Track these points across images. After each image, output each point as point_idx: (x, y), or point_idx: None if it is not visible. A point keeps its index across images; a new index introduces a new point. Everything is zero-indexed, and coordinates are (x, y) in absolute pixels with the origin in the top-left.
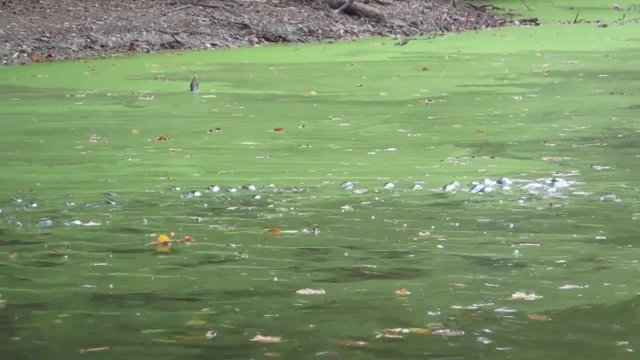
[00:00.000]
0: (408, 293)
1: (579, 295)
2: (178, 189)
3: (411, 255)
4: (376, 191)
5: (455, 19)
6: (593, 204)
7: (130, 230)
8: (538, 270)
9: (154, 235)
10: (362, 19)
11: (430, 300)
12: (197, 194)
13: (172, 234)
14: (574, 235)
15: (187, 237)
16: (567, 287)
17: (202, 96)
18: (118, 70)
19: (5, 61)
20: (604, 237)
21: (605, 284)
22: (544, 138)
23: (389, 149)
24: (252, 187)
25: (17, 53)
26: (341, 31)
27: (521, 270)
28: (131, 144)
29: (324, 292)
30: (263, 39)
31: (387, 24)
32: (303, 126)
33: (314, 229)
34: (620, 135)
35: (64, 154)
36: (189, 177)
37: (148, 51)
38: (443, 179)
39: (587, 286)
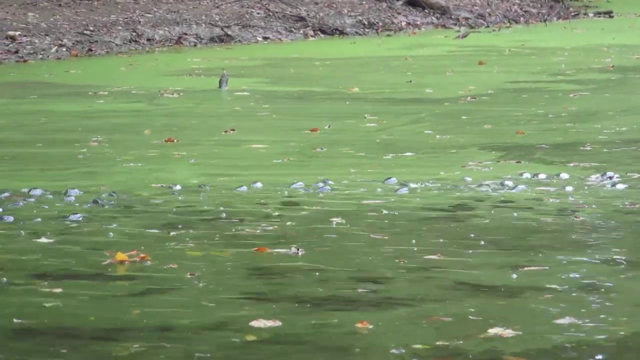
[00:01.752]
0: (370, 327)
1: (571, 331)
2: (159, 201)
3: (393, 280)
4: (376, 201)
5: (525, 11)
6: (619, 218)
7: (89, 248)
8: (533, 299)
9: (111, 254)
10: (426, 10)
11: (394, 336)
12: (180, 202)
13: (134, 252)
14: (585, 257)
15: (143, 255)
16: (559, 321)
17: (233, 93)
18: (157, 66)
19: (41, 56)
20: (622, 258)
21: (608, 318)
22: (582, 140)
23: (406, 154)
24: (242, 195)
25: (56, 47)
26: (403, 24)
27: (512, 300)
28: (136, 146)
29: (280, 324)
30: (319, 32)
31: (453, 16)
32: (329, 126)
33: (298, 249)
34: None
35: (60, 158)
36: (185, 183)
37: (195, 45)
38: (452, 188)
39: (585, 321)
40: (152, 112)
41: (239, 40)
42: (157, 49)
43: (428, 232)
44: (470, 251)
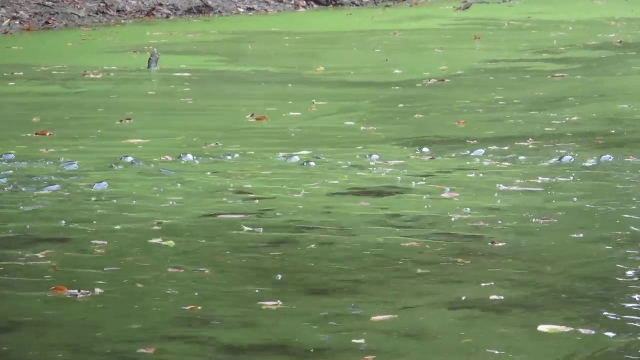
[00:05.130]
0: None
1: None
2: None
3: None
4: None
5: None
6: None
7: None
8: None
9: None
10: None
11: None
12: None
13: None
14: (462, 296)
15: None
16: None
17: (163, 74)
18: (111, 41)
19: None
20: (502, 298)
21: None
22: (524, 133)
23: (302, 152)
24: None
25: (9, 20)
26: None
27: None
28: (6, 137)
29: None
30: (312, 2)
31: None
32: (252, 115)
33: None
34: (625, 132)
35: None
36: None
37: (168, 17)
38: (323, 199)
39: None
40: (57, 97)
41: (219, 12)
42: (125, 21)
43: (245, 268)
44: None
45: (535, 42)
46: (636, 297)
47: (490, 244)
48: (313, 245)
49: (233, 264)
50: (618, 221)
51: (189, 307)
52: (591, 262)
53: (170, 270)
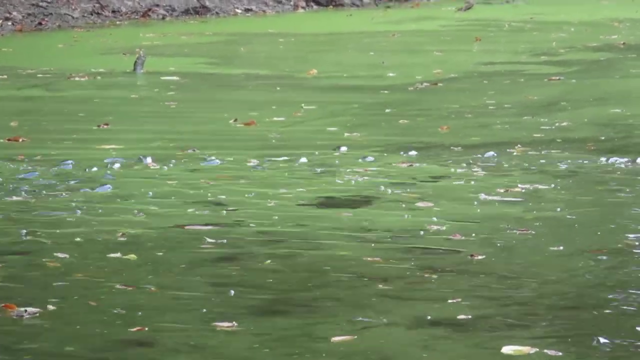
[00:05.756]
0: None
1: None
2: None
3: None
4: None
5: None
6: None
7: None
8: None
9: None
10: None
11: None
12: None
13: None
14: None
15: None
16: None
17: (150, 77)
18: (103, 43)
19: None
20: (469, 317)
21: None
22: (512, 139)
23: (278, 159)
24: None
25: (1, 21)
26: None
27: None
28: None
29: None
30: (312, 3)
31: None
32: (235, 120)
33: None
34: (615, 137)
35: None
36: None
37: (164, 18)
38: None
39: None
40: (38, 100)
41: (217, 13)
42: (119, 21)
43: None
44: None
45: (534, 43)
46: (608, 316)
47: (469, 257)
48: (269, 261)
49: (187, 279)
50: (599, 233)
51: (135, 329)
52: (567, 277)
53: (119, 286)
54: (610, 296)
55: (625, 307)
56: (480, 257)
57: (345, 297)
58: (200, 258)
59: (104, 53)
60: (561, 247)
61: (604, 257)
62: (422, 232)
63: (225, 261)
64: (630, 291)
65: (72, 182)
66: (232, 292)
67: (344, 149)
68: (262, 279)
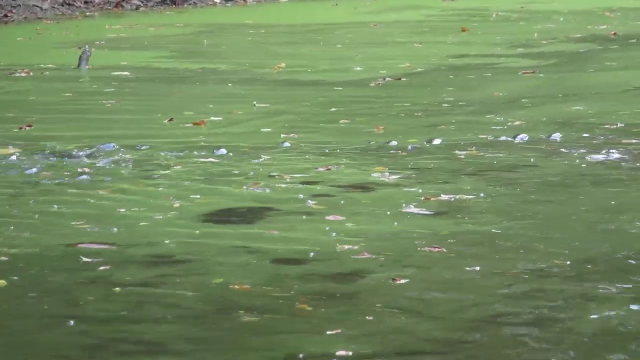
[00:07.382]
0: None
1: None
2: None
3: None
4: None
5: None
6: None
7: None
8: None
9: None
10: None
11: None
12: None
13: None
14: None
15: None
16: None
17: (96, 73)
18: (65, 36)
19: None
20: (349, 354)
21: None
22: (457, 141)
23: (208, 160)
24: None
25: None
26: None
27: None
28: None
29: None
30: None
31: None
32: (170, 119)
33: None
34: (569, 139)
35: None
36: None
37: (137, 8)
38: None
39: None
40: None
41: (194, 2)
42: (90, 13)
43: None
44: None
45: (516, 34)
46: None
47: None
48: (117, 289)
49: (34, 312)
50: (522, 251)
51: None
52: (478, 304)
53: None
54: (522, 330)
55: None
56: (373, 282)
57: (207, 331)
58: (60, 285)
59: (59, 47)
60: (477, 268)
61: (524, 280)
62: (325, 250)
63: (85, 287)
64: None
65: None
66: (72, 323)
67: (271, 170)
68: (116, 312)
